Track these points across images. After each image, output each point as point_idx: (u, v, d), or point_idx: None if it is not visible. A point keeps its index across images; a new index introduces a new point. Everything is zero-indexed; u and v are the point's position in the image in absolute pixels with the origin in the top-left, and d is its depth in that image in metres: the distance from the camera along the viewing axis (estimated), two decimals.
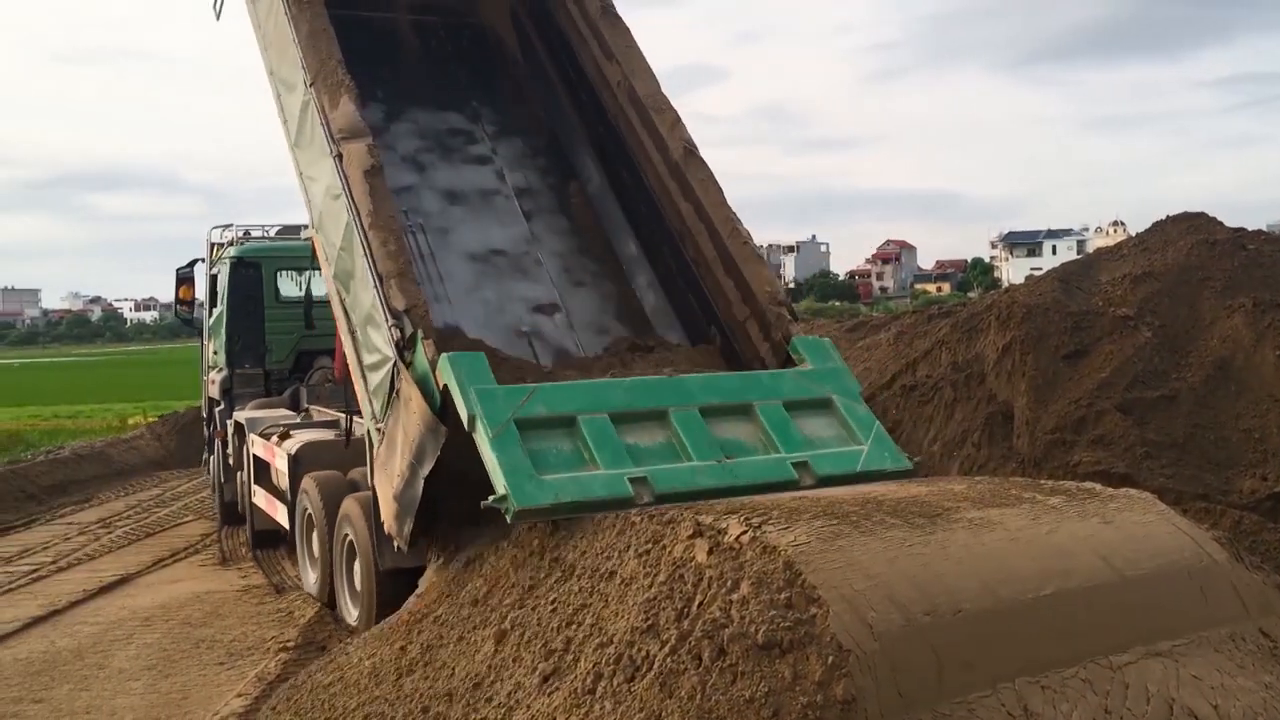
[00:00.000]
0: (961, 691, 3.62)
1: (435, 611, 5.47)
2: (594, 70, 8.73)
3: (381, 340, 6.65)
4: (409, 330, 6.37)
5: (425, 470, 6.06)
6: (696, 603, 3.83)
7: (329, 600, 8.65)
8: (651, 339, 8.05)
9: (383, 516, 6.75)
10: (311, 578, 9.18)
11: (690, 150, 7.91)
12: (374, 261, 6.69)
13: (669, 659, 3.67)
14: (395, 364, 6.48)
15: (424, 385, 6.19)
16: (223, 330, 12.77)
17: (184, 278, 14.35)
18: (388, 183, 7.65)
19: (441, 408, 6.01)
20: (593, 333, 8.19)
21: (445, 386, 5.99)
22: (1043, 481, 5.65)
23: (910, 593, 3.78)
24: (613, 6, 8.61)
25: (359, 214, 6.92)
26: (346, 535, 8.04)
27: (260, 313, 12.69)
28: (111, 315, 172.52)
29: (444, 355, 6.11)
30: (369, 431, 7.03)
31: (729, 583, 3.82)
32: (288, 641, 7.71)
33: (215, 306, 13.38)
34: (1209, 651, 4.15)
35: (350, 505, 7.94)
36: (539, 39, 9.39)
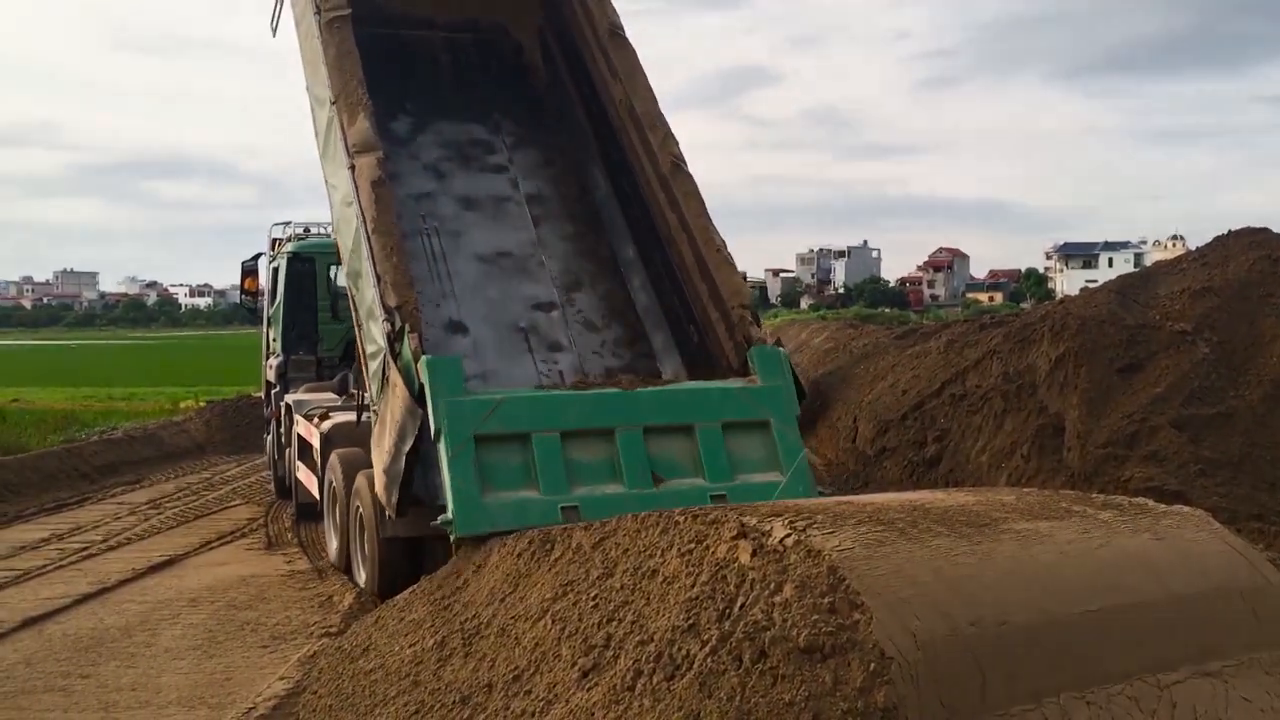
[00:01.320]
0: (1005, 704, 3.58)
1: (477, 601, 5.49)
2: (602, 87, 9.42)
3: (378, 333, 7.46)
4: (398, 325, 7.19)
5: (407, 447, 6.94)
6: (738, 604, 3.82)
7: (346, 566, 9.33)
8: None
9: (375, 488, 7.65)
10: (334, 546, 9.86)
11: (677, 164, 8.62)
12: (374, 263, 7.52)
13: (709, 659, 3.66)
14: (386, 354, 7.31)
15: (406, 374, 7.04)
16: (280, 319, 13.56)
17: (249, 270, 15.37)
18: (409, 189, 9.06)
19: (421, 394, 6.88)
20: (585, 328, 8.97)
21: (423, 385, 6.88)
22: (1093, 495, 5.57)
23: (955, 602, 3.74)
24: (621, 29, 9.28)
25: (365, 220, 7.71)
26: (357, 507, 8.64)
27: (313, 304, 13.57)
28: (167, 300, 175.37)
29: (424, 358, 6.95)
30: (371, 412, 7.89)
31: (772, 585, 3.80)
32: (330, 627, 7.77)
33: (274, 297, 14.13)
34: (1260, 674, 4.07)
35: (361, 480, 8.45)
36: (561, 58, 10.09)
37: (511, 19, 10.50)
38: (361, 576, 8.76)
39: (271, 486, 14.20)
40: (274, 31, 10.63)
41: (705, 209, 8.52)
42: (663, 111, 8.98)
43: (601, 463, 7.12)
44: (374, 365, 7.74)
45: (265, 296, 14.86)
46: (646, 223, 9.13)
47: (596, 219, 9.64)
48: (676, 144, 8.78)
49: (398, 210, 8.54)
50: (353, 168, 8.02)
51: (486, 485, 6.81)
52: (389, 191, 7.90)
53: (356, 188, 7.93)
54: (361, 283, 7.97)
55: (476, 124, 9.95)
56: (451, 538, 6.71)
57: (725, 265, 8.33)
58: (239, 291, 15.68)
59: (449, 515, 6.71)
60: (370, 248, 7.62)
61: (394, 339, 7.23)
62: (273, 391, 13.94)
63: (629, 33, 9.40)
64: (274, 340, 13.93)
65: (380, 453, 7.47)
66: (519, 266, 9.19)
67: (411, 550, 7.77)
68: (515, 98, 10.21)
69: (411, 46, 10.25)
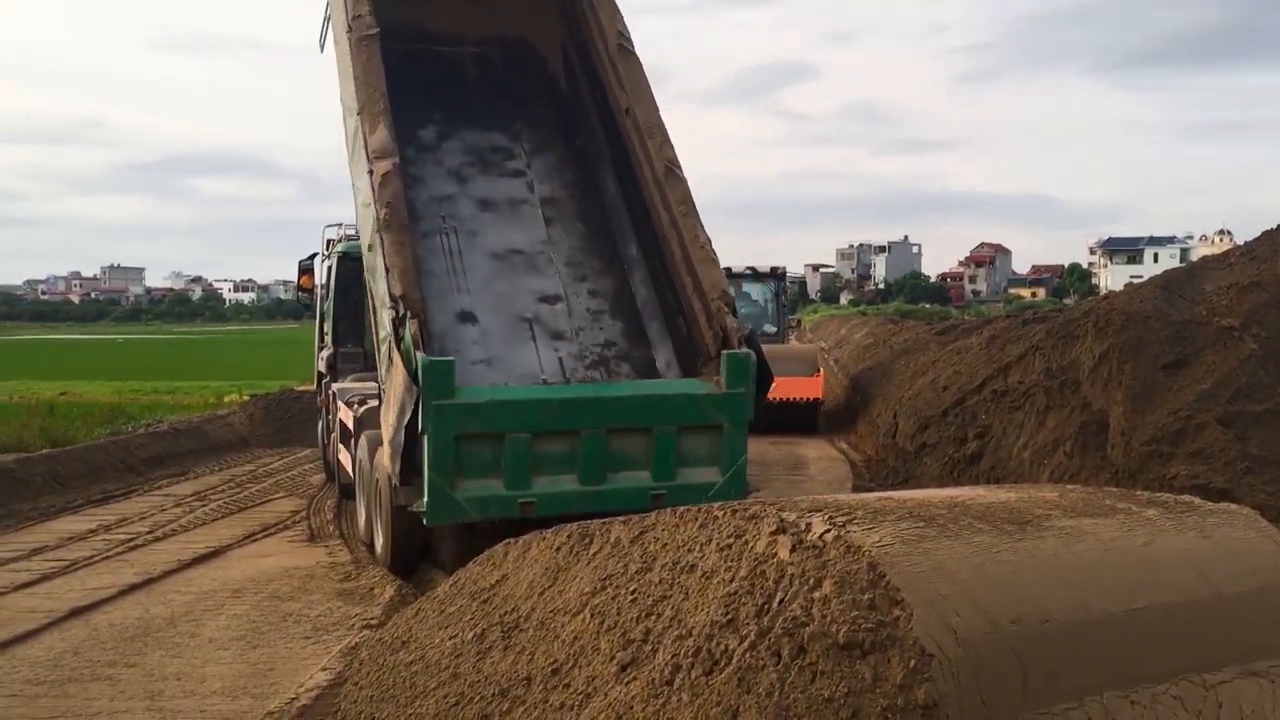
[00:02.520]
0: (1046, 702, 3.54)
1: (516, 595, 5.51)
2: (611, 96, 10.15)
3: (387, 319, 8.27)
4: (401, 312, 8.02)
5: (405, 420, 7.85)
6: (777, 599, 3.80)
7: (370, 540, 10.15)
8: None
9: (383, 458, 8.69)
10: (362, 520, 10.68)
11: (670, 168, 9.37)
12: (384, 257, 8.29)
13: (748, 654, 3.65)
14: (391, 338, 8.16)
15: (406, 356, 7.90)
16: (331, 314, 14.26)
17: (305, 269, 16.35)
18: (432, 192, 9.95)
19: (416, 374, 7.74)
20: (587, 319, 9.77)
21: (418, 369, 7.74)
22: (1138, 493, 5.50)
23: (996, 599, 3.70)
24: (629, 43, 10.01)
25: (379, 219, 8.48)
26: (377, 480, 9.50)
27: (361, 300, 13.82)
28: (211, 295, 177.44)
29: (421, 358, 7.76)
30: (380, 390, 8.85)
31: (811, 580, 3.78)
32: (371, 619, 7.84)
33: (327, 294, 14.85)
34: None
35: (380, 455, 9.16)
36: (580, 70, 10.80)
37: (537, 34, 11.26)
38: (379, 545, 9.70)
39: (322, 470, 15.18)
40: (321, 47, 11.34)
41: (694, 209, 9.22)
42: (663, 121, 9.69)
43: (563, 458, 8.19)
44: (383, 349, 8.58)
45: (319, 293, 15.60)
46: (646, 222, 9.83)
47: (604, 219, 10.36)
48: (672, 149, 9.50)
49: (420, 211, 9.68)
50: (371, 172, 8.74)
51: (458, 478, 7.97)
52: (400, 194, 8.62)
53: (373, 189, 8.64)
54: (375, 275, 8.68)
55: (498, 131, 10.74)
56: (424, 521, 8.14)
57: (707, 261, 9.02)
58: (296, 288, 16.80)
59: (422, 505, 8.02)
60: (382, 244, 8.35)
61: (398, 324, 8.04)
62: (323, 381, 14.66)
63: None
64: (326, 334, 14.60)
65: (385, 426, 8.39)
66: (529, 263, 9.95)
67: (420, 522, 8.46)
68: (537, 107, 10.99)
69: (443, 60, 11.10)
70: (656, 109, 9.71)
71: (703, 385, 8.61)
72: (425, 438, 7.84)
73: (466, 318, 9.53)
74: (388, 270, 8.23)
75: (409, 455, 8.00)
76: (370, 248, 8.82)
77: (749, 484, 8.53)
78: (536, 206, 10.21)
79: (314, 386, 16.93)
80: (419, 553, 9.48)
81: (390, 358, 8.20)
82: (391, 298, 8.12)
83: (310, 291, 16.35)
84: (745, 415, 8.46)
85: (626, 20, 10.27)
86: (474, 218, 10.01)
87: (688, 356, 9.29)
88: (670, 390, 8.73)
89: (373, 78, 9.21)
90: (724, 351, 8.49)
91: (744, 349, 8.54)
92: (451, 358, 8.07)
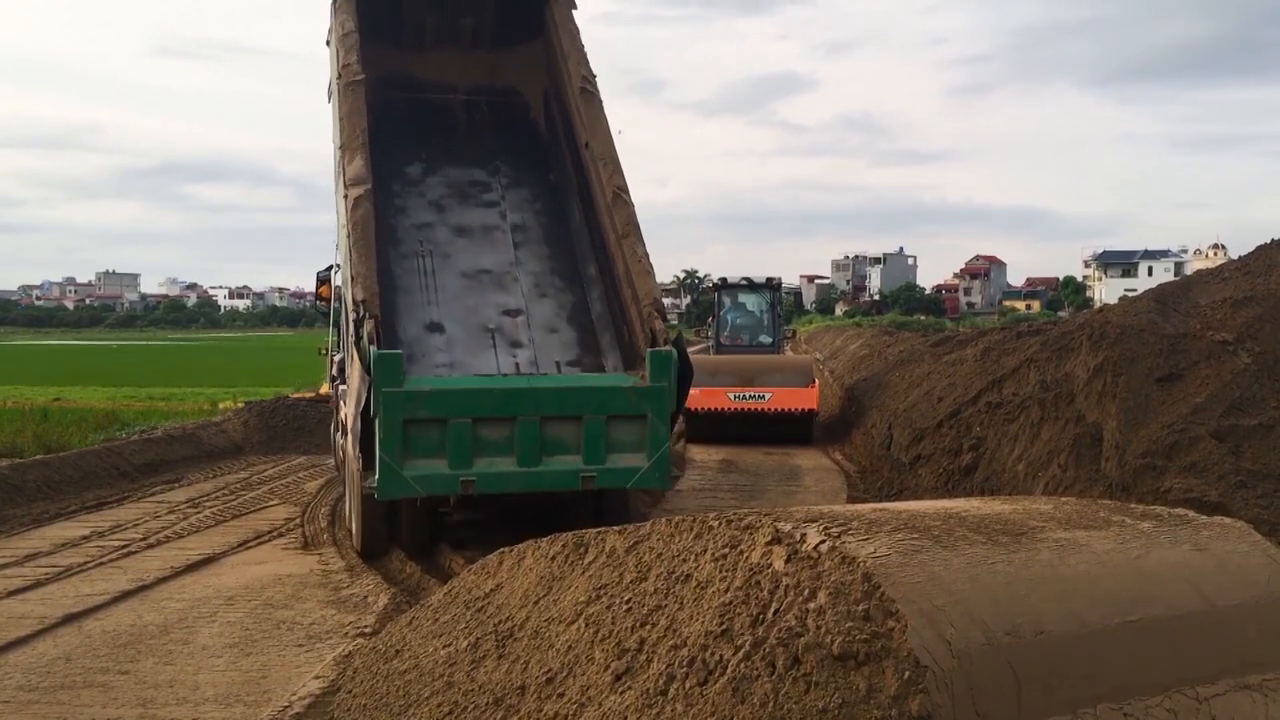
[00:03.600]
0: (1040, 715, 3.54)
1: (510, 603, 5.51)
2: (576, 133, 11.30)
3: (351, 322, 9.24)
4: (361, 314, 8.93)
5: (362, 408, 8.78)
6: (772, 610, 3.81)
7: (350, 526, 10.91)
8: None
9: (347, 446, 9.74)
10: (346, 509, 11.55)
11: (618, 194, 10.41)
12: (350, 268, 9.37)
13: (742, 664, 3.65)
14: (352, 336, 9.08)
15: (363, 352, 8.83)
16: (343, 321, 14.30)
17: (323, 279, 16.91)
18: (413, 220, 11.23)
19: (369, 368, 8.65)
20: (545, 331, 10.82)
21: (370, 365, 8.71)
22: (1132, 506, 5.52)
23: (991, 611, 3.71)
24: (591, 86, 11.18)
25: (350, 237, 9.60)
26: (352, 471, 10.21)
27: None
28: (206, 302, 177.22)
29: (374, 350, 8.67)
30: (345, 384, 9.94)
31: (806, 591, 3.78)
32: (364, 627, 7.83)
33: (340, 302, 14.97)
34: None
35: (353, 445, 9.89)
36: (558, 114, 11.92)
37: (522, 83, 12.53)
38: (353, 529, 10.53)
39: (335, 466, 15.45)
40: (328, 98, 12.20)
41: (636, 229, 10.27)
42: (616, 153, 10.85)
43: (502, 441, 9.11)
44: (349, 349, 9.57)
45: (334, 303, 15.67)
46: (602, 244, 10.89)
47: (569, 243, 11.54)
48: (622, 178, 10.58)
49: (401, 237, 11.02)
50: (346, 197, 9.89)
51: (406, 458, 8.86)
52: (370, 216, 9.72)
53: (346, 212, 9.78)
54: (347, 286, 9.85)
55: (479, 168, 11.99)
56: (375, 496, 9.13)
57: (643, 274, 9.99)
58: (315, 297, 17.60)
59: (373, 482, 8.97)
60: (350, 260, 9.46)
61: (358, 324, 8.95)
62: (335, 384, 14.88)
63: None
64: (337, 340, 14.79)
65: (348, 414, 9.52)
66: (496, 281, 11.12)
67: (387, 510, 9.80)
68: (517, 146, 12.22)
69: (434, 106, 12.40)
70: (611, 143, 10.86)
71: (628, 379, 9.58)
72: (376, 422, 8.73)
73: (435, 328, 10.64)
74: (353, 279, 9.23)
75: (368, 442, 8.89)
76: (345, 261, 9.87)
77: (673, 470, 9.71)
78: (507, 232, 11.39)
79: (312, 394, 17.63)
80: (387, 538, 10.32)
81: (352, 355, 9.14)
82: (355, 302, 9.05)
83: (327, 300, 16.76)
84: (667, 407, 9.34)
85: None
86: (449, 242, 11.20)
87: (631, 361, 10.20)
88: (598, 383, 9.72)
89: (355, 117, 10.42)
90: (649, 350, 9.39)
91: (667, 348, 9.37)
92: (400, 351, 9.02)
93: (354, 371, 8.96)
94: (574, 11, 11.89)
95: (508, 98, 12.60)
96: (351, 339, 9.18)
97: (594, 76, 11.14)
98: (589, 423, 9.20)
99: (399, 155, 11.61)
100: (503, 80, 12.59)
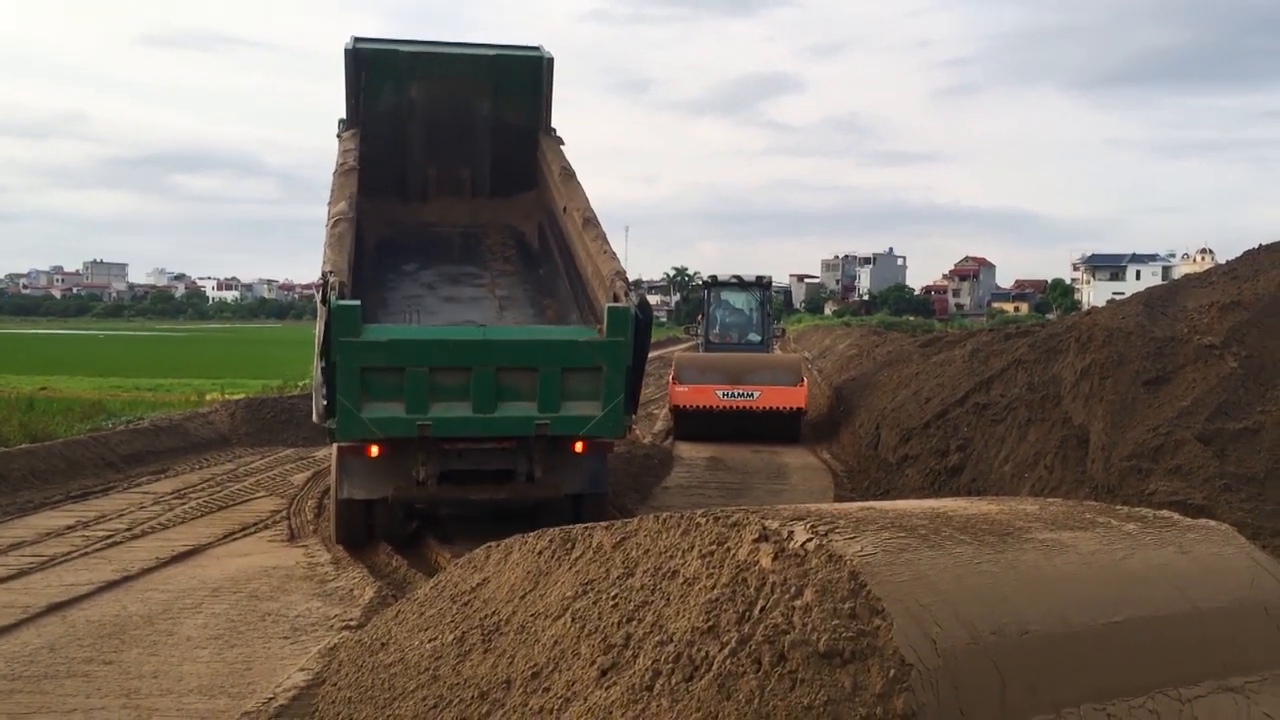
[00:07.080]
0: (1024, 714, 3.56)
1: (497, 598, 5.51)
2: (555, 202, 12.31)
3: (319, 296, 9.64)
4: (328, 280, 9.34)
5: (321, 364, 9.31)
6: (759, 607, 3.82)
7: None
8: None
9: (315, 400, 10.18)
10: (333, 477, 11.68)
11: (587, 220, 11.29)
12: (325, 250, 10.06)
13: (728, 661, 3.66)
14: (319, 300, 9.51)
15: (325, 315, 9.27)
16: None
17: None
18: (406, 293, 11.85)
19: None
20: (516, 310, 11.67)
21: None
22: (1118, 507, 5.54)
23: (977, 610, 3.72)
24: (570, 171, 12.34)
25: (329, 231, 10.47)
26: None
27: None
28: (194, 293, 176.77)
29: (333, 300, 9.07)
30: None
31: (792, 589, 3.79)
32: (350, 620, 7.82)
33: None
34: None
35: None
36: (551, 235, 12.71)
37: (520, 220, 13.42)
38: (331, 518, 10.97)
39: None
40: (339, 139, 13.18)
41: (602, 234, 11.03)
42: (589, 202, 11.75)
43: (459, 388, 9.49)
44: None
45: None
46: (572, 265, 11.60)
47: (555, 299, 12.16)
48: (590, 211, 11.45)
49: (391, 307, 11.43)
50: (327, 222, 10.76)
51: (364, 401, 9.29)
52: (347, 231, 10.45)
53: (328, 230, 10.51)
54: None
55: (473, 266, 12.82)
56: (333, 439, 9.74)
57: (609, 259, 10.48)
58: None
59: (332, 424, 9.41)
60: (326, 254, 10.04)
61: (325, 290, 9.35)
62: None
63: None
64: None
65: (313, 368, 10.05)
66: (473, 312, 11.77)
67: (362, 502, 10.24)
68: (511, 259, 13.02)
69: (437, 234, 13.28)
70: (587, 199, 11.76)
71: (585, 332, 9.94)
72: (335, 368, 9.15)
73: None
74: (324, 261, 9.82)
75: (330, 389, 9.28)
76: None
77: (626, 419, 9.95)
78: (494, 300, 11.99)
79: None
80: (363, 526, 10.53)
81: (320, 313, 9.53)
82: (323, 273, 9.55)
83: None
84: (623, 361, 9.65)
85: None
86: (438, 306, 11.83)
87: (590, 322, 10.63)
88: (553, 336, 10.08)
89: (347, 186, 11.52)
90: (607, 304, 9.70)
91: (625, 304, 9.65)
92: (358, 302, 9.32)
93: (319, 329, 9.39)
94: (562, 147, 12.97)
95: (504, 231, 13.40)
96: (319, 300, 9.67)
97: (594, 213, 11.73)
98: (544, 373, 9.56)
99: (393, 261, 12.48)
100: (501, 219, 13.49)
